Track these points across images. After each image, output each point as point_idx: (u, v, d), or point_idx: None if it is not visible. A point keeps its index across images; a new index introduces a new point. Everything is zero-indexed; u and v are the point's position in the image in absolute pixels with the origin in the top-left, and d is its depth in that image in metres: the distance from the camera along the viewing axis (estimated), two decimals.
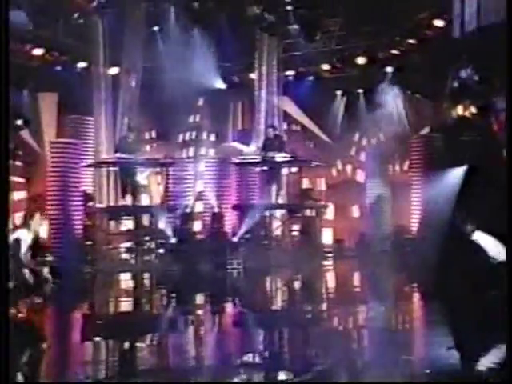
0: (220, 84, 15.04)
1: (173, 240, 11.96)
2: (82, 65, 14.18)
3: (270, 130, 13.73)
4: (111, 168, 12.65)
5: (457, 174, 13.02)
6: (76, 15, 13.56)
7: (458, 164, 12.83)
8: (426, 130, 14.60)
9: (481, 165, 11.70)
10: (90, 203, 12.65)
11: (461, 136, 12.91)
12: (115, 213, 12.52)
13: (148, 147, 14.75)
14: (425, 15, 13.58)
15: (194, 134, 15.45)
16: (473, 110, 13.35)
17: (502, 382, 3.10)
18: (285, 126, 15.34)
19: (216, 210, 13.85)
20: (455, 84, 13.37)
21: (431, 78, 13.39)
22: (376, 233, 14.23)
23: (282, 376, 5.16)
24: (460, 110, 13.55)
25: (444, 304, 8.01)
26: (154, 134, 15.14)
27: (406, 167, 15.32)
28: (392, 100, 15.27)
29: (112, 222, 12.52)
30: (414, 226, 14.34)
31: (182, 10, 13.89)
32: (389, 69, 14.92)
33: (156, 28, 14.02)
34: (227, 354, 6.17)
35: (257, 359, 5.77)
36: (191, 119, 15.44)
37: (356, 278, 11.84)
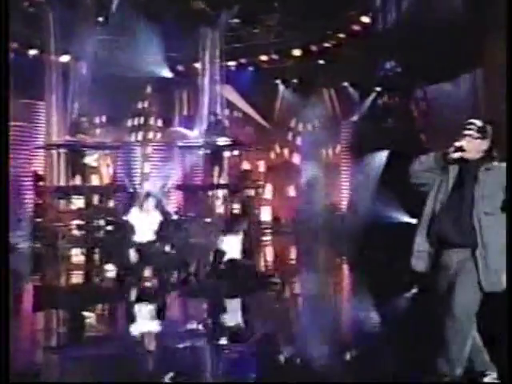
0: (167, 73, 14.79)
1: (124, 217, 11.70)
2: (33, 52, 13.62)
3: (212, 116, 13.62)
4: (61, 150, 12.27)
5: (380, 157, 13.31)
6: (26, 4, 12.98)
7: (383, 148, 13.11)
8: (354, 117, 14.81)
9: (402, 149, 11.98)
10: (41, 183, 12.23)
11: (384, 123, 13.19)
12: (65, 192, 12.19)
13: (98, 131, 14.36)
14: (353, 12, 13.70)
15: (142, 119, 15.15)
16: (396, 99, 13.66)
17: (501, 382, 3.24)
18: (227, 113, 15.21)
19: (162, 190, 13.66)
20: (380, 75, 13.62)
21: (359, 69, 13.56)
22: (310, 210, 14.41)
23: (223, 341, 5.15)
24: (384, 98, 13.84)
25: (367, 273, 8.20)
26: (104, 119, 14.74)
27: (337, 151, 15.52)
28: (324, 89, 15.40)
29: (62, 201, 12.16)
30: (343, 204, 14.60)
31: (132, 2, 13.50)
32: (321, 60, 15.02)
33: (105, 18, 13.58)
34: (173, 321, 6.13)
35: (200, 326, 5.75)
36: (140, 105, 15.12)
37: (292, 252, 11.95)
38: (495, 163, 3.33)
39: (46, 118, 12.97)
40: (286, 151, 16.28)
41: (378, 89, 14.11)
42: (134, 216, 8.31)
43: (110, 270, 8.22)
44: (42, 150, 12.60)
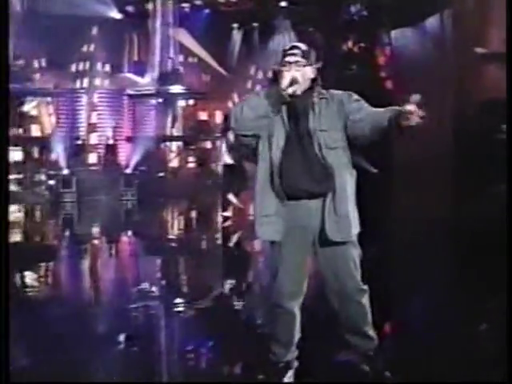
0: (115, 13, 14.22)
1: (65, 171, 11.41)
2: None
3: (167, 61, 13.27)
4: None
5: None
6: None
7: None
8: (318, 64, 14.59)
9: (366, 97, 11.95)
10: None
11: (349, 70, 13.07)
12: None
13: (38, 76, 13.74)
14: None
15: (87, 63, 14.58)
16: (361, 44, 13.52)
17: (501, 382, 3.03)
18: (181, 59, 14.82)
19: (110, 141, 13.36)
20: (345, 18, 13.43)
21: (323, 12, 13.32)
22: None
23: (178, 300, 5.07)
24: (349, 43, 13.68)
25: None
26: (44, 63, 14.09)
27: None
28: (286, 33, 15.13)
29: None
30: None
31: None
32: (283, 3, 14.70)
33: None
34: (124, 282, 6.03)
35: (154, 287, 5.63)
36: (85, 48, 14.50)
37: (251, 207, 11.88)
38: (323, 91, 2.96)
39: None
40: None
41: (343, 33, 13.96)
42: None
43: None
44: None
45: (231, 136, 8.04)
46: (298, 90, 2.91)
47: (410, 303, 4.44)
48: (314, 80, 2.97)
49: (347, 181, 2.96)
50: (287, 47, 3.02)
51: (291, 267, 3.01)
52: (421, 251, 6.29)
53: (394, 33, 12.78)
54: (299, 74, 2.90)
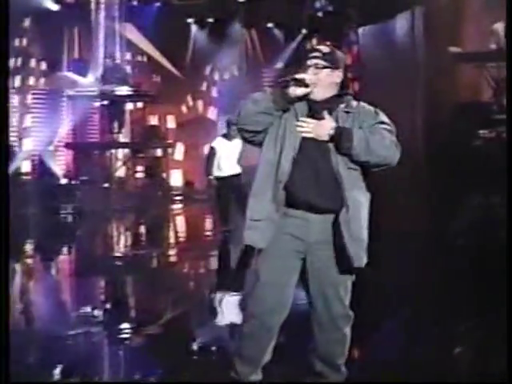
0: (51, 4, 14.08)
1: None
2: None
3: (110, 59, 13.22)
4: None
5: None
6: None
7: None
8: (279, 64, 14.77)
9: None
10: None
11: None
12: None
13: None
14: None
15: (19, 60, 14.37)
16: (326, 42, 13.69)
17: (501, 382, 3.17)
18: (128, 57, 14.76)
19: (47, 148, 13.16)
20: (309, 14, 13.62)
21: (284, 7, 13.47)
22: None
23: (124, 326, 4.99)
24: (313, 41, 13.86)
25: None
26: None
27: None
28: (246, 30, 15.23)
29: None
30: None
31: None
32: None
33: None
34: (63, 305, 5.97)
35: (96, 311, 5.54)
36: (16, 43, 14.29)
37: (207, 222, 11.87)
38: (354, 103, 3.05)
39: None
40: (199, 104, 16.06)
41: (306, 31, 14.14)
42: None
43: None
44: None
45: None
46: (312, 92, 2.97)
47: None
48: (342, 87, 3.05)
49: (361, 204, 3.03)
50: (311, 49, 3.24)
51: (278, 279, 3.04)
52: (399, 264, 6.44)
53: (361, 30, 13.02)
54: (313, 77, 2.97)
